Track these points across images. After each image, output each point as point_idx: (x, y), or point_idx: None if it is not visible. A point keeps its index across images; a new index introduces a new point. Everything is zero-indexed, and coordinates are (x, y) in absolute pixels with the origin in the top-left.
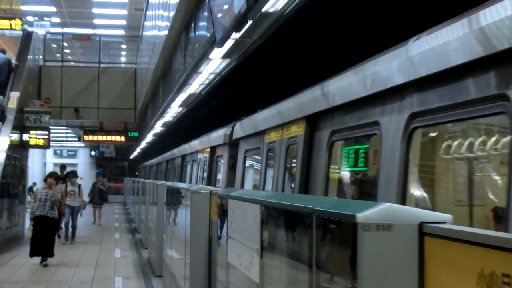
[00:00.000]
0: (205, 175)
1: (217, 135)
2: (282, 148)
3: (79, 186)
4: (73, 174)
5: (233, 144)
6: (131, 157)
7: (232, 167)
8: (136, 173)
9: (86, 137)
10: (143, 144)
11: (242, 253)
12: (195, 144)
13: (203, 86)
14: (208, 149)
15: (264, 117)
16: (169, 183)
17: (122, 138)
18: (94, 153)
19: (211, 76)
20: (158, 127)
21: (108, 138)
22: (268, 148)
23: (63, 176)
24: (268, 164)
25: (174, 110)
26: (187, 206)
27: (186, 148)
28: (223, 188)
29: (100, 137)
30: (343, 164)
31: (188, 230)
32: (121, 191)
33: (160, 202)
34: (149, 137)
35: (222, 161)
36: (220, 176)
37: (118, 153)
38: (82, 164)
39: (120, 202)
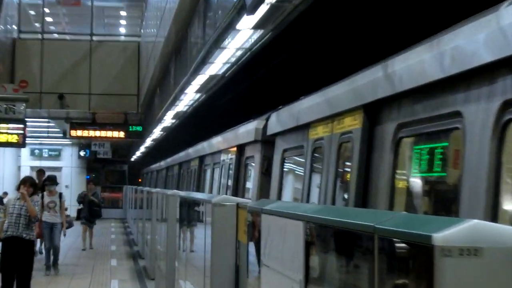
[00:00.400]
0: (230, 182)
1: (246, 130)
2: (333, 147)
3: (60, 195)
4: (51, 180)
5: (267, 142)
6: (132, 159)
7: (266, 172)
8: (139, 180)
9: (73, 133)
10: (148, 142)
11: (280, 286)
12: (217, 142)
13: (227, 65)
14: (234, 149)
15: (308, 107)
16: (183, 193)
17: (121, 134)
18: (84, 153)
19: (239, 53)
20: (168, 120)
21: (103, 134)
22: (314, 147)
23: (41, 184)
24: (314, 168)
25: (189, 97)
26: (207, 223)
27: (205, 147)
28: (255, 200)
29: (92, 133)
30: (413, 167)
31: (209, 256)
32: (119, 203)
33: (171, 219)
34: (156, 133)
35: (253, 164)
36: (250, 183)
37: (115, 154)
38: (68, 168)
39: (118, 218)
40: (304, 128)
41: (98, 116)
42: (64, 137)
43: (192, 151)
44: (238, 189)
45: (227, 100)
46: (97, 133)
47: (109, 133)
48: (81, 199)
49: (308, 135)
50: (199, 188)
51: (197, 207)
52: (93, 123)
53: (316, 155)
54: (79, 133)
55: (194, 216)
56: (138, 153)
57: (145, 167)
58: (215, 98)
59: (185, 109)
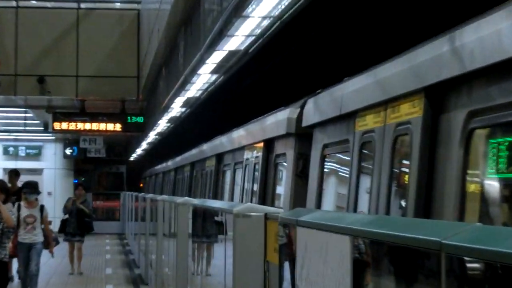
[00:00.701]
0: (256, 187)
1: (276, 121)
2: (386, 140)
3: (42, 208)
4: (31, 187)
5: (303, 135)
6: (131, 159)
7: (301, 173)
8: (140, 185)
9: (57, 125)
10: (151, 137)
11: None
12: (239, 136)
13: (251, 38)
14: (261, 144)
15: (354, 91)
16: (196, 201)
17: (118, 127)
18: (71, 151)
19: (265, 23)
20: (176, 108)
21: (94, 126)
22: (362, 142)
23: (16, 190)
24: (362, 168)
25: (203, 79)
26: (228, 239)
27: (223, 143)
28: (287, 209)
29: (80, 125)
30: (488, 166)
31: (230, 281)
32: (116, 214)
33: (182, 234)
34: (162, 125)
35: (285, 163)
36: (282, 188)
37: (110, 152)
38: (51, 170)
39: (115, 233)
40: (349, 117)
41: (88, 104)
42: (46, 131)
43: (208, 148)
44: (266, 195)
45: (251, 83)
46: (87, 126)
47: (102, 126)
48: (67, 209)
49: (354, 126)
50: (216, 194)
51: (215, 218)
52: (82, 113)
53: (364, 151)
54: (65, 125)
55: (211, 230)
56: (139, 151)
57: (148, 169)
58: (236, 81)
59: (197, 95)
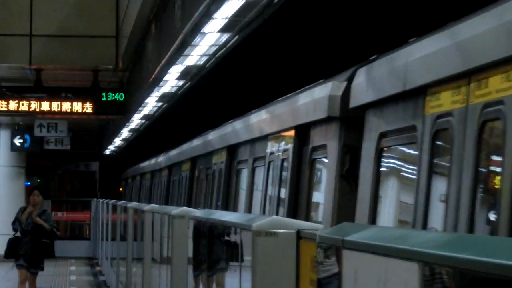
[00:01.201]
0: (283, 192)
1: (312, 100)
2: (469, 128)
3: None
4: None
5: (351, 121)
6: (107, 153)
7: (348, 174)
8: (120, 189)
9: (2, 105)
10: (135, 121)
11: None
12: (259, 121)
13: None
14: (291, 133)
15: (423, 56)
16: (199, 212)
17: (88, 107)
18: (22, 142)
19: None
20: (171, 81)
21: (55, 106)
22: (435, 129)
23: None
24: (435, 167)
25: (209, 39)
26: (245, 266)
27: (237, 130)
28: (329, 224)
29: (35, 105)
30: None
31: None
32: (85, 230)
33: (179, 258)
34: (151, 104)
35: (325, 159)
36: (321, 194)
37: (77, 144)
38: None
39: (83, 258)
40: (416, 95)
41: (46, 74)
42: None
43: (215, 138)
44: (297, 204)
45: (276, 44)
46: (45, 106)
47: (65, 106)
48: (18, 222)
49: (424, 107)
50: (227, 202)
51: (226, 237)
52: (38, 88)
53: (438, 143)
54: (13, 105)
55: (221, 253)
56: (117, 142)
57: (130, 167)
58: (254, 42)
59: (201, 62)
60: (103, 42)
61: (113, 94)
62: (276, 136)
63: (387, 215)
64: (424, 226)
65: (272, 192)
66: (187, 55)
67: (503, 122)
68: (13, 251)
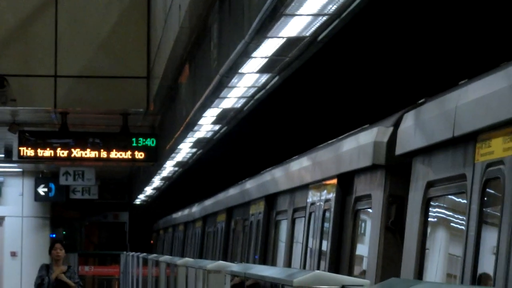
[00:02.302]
0: (325, 245)
1: (356, 146)
2: None
3: None
4: None
5: (397, 169)
6: (137, 202)
7: (394, 225)
8: (151, 242)
9: (25, 151)
10: (168, 169)
11: None
12: (300, 169)
13: (323, 18)
14: (333, 181)
15: (474, 101)
16: (236, 267)
17: (117, 154)
18: (46, 191)
19: None
20: (206, 125)
21: (82, 153)
22: (486, 178)
23: None
24: (486, 217)
25: (248, 80)
26: None
27: (276, 178)
28: (374, 279)
29: (60, 152)
30: None
31: None
32: (114, 286)
33: None
34: (184, 150)
35: (369, 209)
36: (365, 247)
37: (105, 193)
38: (15, 218)
39: None
40: (466, 142)
41: (71, 118)
42: (8, 159)
43: (252, 187)
44: (340, 258)
45: (318, 87)
46: (72, 152)
47: (93, 153)
48: (41, 280)
49: (474, 155)
50: (265, 256)
51: None
52: (63, 133)
53: (490, 191)
54: (36, 152)
55: None
56: (148, 191)
57: (161, 218)
58: (297, 84)
59: (239, 105)
60: (133, 84)
61: (144, 140)
62: (317, 185)
63: (435, 269)
64: (473, 280)
65: (314, 245)
66: (224, 97)
67: None
68: None
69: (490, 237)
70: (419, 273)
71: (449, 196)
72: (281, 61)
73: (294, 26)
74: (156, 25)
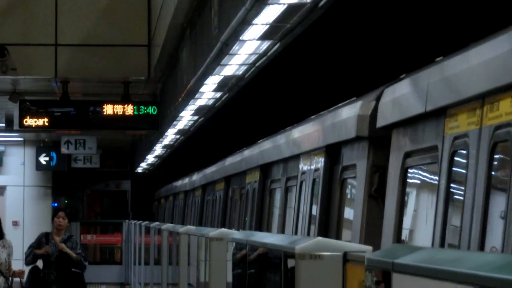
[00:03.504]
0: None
1: (341, 120)
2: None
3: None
4: None
5: (377, 141)
6: (139, 171)
7: (376, 193)
8: (152, 210)
9: (26, 120)
10: (169, 137)
11: None
12: (293, 139)
13: None
14: (322, 152)
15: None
16: (238, 234)
17: (119, 122)
18: (48, 160)
19: None
20: (208, 93)
21: (83, 121)
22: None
23: None
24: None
25: (249, 47)
26: None
27: (270, 149)
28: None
29: (61, 120)
30: None
31: None
32: (117, 254)
33: (217, 283)
34: (186, 118)
35: (355, 179)
36: (350, 214)
37: (107, 161)
38: (17, 187)
39: (114, 283)
40: (437, 116)
41: (72, 87)
42: (9, 128)
43: (248, 157)
44: (329, 223)
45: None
46: (73, 121)
47: (94, 122)
48: (38, 248)
49: (444, 128)
50: (260, 222)
51: (267, 261)
52: (64, 101)
53: (458, 160)
54: (37, 121)
55: (264, 280)
56: (150, 159)
57: (163, 186)
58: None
59: (240, 72)
60: (134, 52)
61: (145, 108)
62: (307, 155)
63: (411, 231)
64: (443, 240)
65: (306, 212)
66: (225, 65)
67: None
68: (36, 284)
69: (458, 201)
70: (398, 236)
71: (423, 166)
72: (282, 28)
73: None
74: None
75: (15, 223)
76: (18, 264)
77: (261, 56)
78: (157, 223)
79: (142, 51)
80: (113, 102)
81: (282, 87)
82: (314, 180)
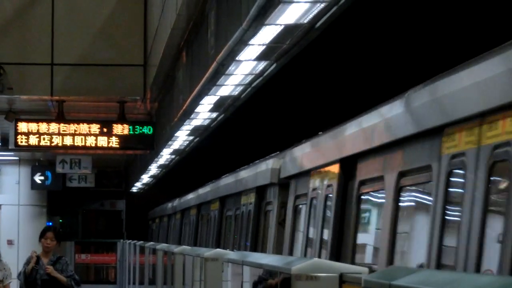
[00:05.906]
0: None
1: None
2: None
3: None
4: None
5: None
6: (134, 190)
7: (282, 222)
8: (147, 230)
9: (21, 139)
10: (164, 157)
11: None
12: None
13: (322, 5)
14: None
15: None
16: (234, 255)
17: (114, 141)
18: (43, 179)
19: None
20: (203, 113)
21: (78, 140)
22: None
23: None
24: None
25: (245, 67)
26: None
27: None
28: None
29: (57, 139)
30: None
31: None
32: (111, 274)
33: None
34: (181, 138)
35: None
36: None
37: (102, 181)
38: (11, 207)
39: None
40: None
41: (68, 106)
42: (4, 147)
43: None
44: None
45: (315, 74)
46: (68, 140)
47: (90, 140)
48: (24, 274)
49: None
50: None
51: (263, 283)
52: (60, 120)
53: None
54: (33, 139)
55: None
56: (145, 179)
57: (158, 206)
58: (293, 72)
59: (236, 93)
60: (130, 71)
61: (140, 128)
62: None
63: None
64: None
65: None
66: (221, 85)
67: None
68: None
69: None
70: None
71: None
72: (279, 49)
73: (291, 13)
74: (153, 12)
75: (9, 242)
76: (12, 284)
77: (257, 76)
78: (151, 243)
79: (138, 71)
80: (109, 122)
81: (278, 108)
82: (249, 211)
